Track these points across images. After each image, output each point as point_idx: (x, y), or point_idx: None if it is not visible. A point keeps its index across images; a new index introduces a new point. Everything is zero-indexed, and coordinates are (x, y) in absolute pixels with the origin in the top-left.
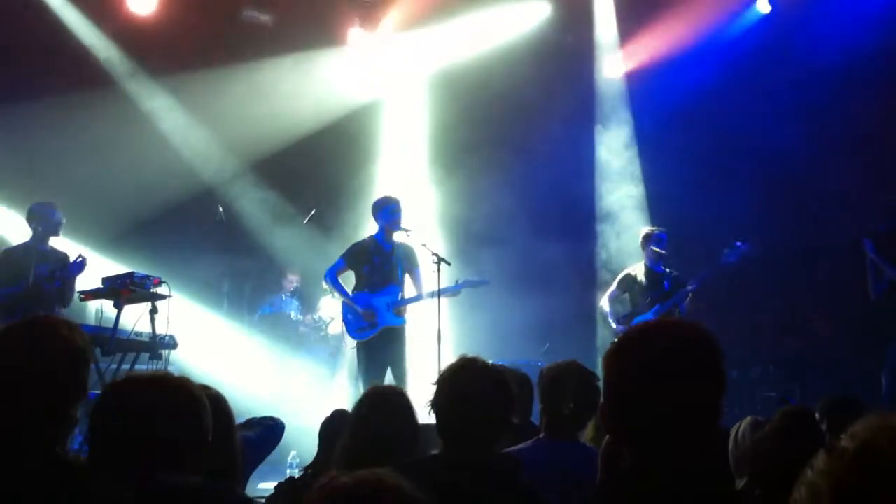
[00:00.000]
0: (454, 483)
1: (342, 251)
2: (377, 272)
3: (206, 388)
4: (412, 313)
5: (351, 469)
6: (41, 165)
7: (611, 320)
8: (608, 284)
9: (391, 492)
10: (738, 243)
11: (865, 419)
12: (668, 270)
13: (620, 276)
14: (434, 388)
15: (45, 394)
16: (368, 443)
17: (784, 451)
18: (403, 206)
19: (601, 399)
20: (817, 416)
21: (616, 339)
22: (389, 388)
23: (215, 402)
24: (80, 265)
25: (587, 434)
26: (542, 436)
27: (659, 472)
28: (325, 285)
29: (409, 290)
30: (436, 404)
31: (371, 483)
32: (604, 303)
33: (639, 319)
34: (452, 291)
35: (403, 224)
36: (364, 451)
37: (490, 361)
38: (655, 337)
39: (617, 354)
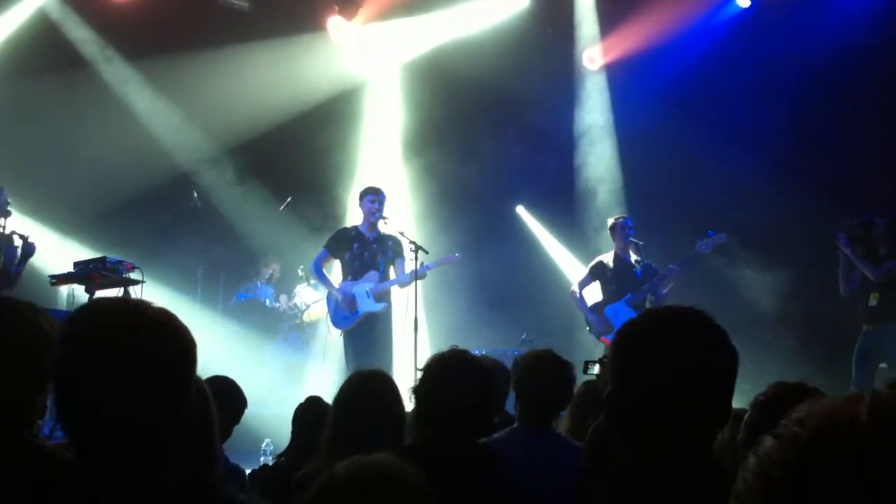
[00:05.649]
0: (433, 472)
1: (320, 239)
2: (358, 259)
3: None
4: (393, 301)
5: (332, 458)
6: (10, 148)
7: (582, 308)
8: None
9: (398, 479)
10: (712, 233)
11: (808, 403)
12: (638, 259)
13: (592, 263)
14: (420, 374)
15: (8, 379)
16: (351, 430)
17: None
18: (386, 196)
19: (576, 388)
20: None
21: (624, 328)
22: (373, 373)
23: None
24: (33, 247)
25: (563, 424)
26: (516, 426)
27: (666, 466)
28: (300, 272)
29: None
30: (420, 391)
31: (378, 470)
32: (575, 289)
33: (610, 308)
34: (427, 270)
35: (384, 213)
36: (347, 439)
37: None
38: (668, 325)
39: (626, 344)
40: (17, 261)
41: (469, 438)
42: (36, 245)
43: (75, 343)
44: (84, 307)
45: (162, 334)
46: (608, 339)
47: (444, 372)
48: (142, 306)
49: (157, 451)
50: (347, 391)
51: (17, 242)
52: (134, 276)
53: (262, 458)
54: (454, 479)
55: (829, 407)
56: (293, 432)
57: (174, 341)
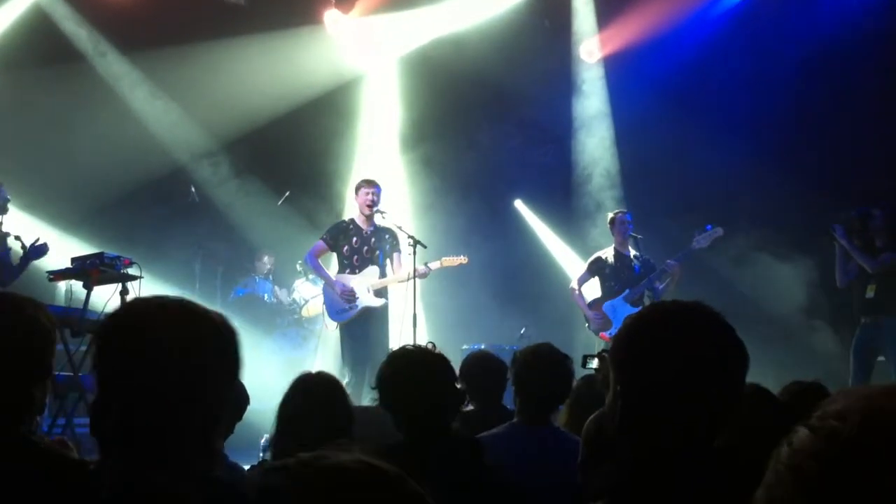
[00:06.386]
0: (416, 467)
1: (319, 233)
2: (356, 253)
3: None
4: (391, 296)
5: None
6: (6, 143)
7: (581, 305)
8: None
9: (386, 475)
10: (709, 227)
11: (840, 396)
12: (637, 254)
13: (591, 259)
14: (377, 388)
15: (7, 373)
16: (295, 431)
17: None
18: (382, 188)
19: (575, 382)
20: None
21: (626, 322)
22: (318, 375)
23: None
24: (41, 249)
25: (561, 419)
26: (515, 420)
27: (667, 462)
28: (298, 267)
29: (390, 272)
30: (381, 401)
31: (361, 466)
32: (574, 286)
33: (608, 304)
34: (429, 271)
35: (381, 207)
36: (291, 439)
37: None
38: (671, 319)
39: (628, 337)
40: (14, 263)
41: (445, 429)
42: (48, 247)
43: (132, 342)
44: (142, 305)
45: (220, 336)
46: (607, 335)
47: (394, 374)
48: (198, 307)
49: (199, 450)
50: (291, 393)
51: (16, 248)
52: (132, 271)
53: (260, 454)
54: (440, 473)
55: (868, 401)
56: None
57: (224, 345)
